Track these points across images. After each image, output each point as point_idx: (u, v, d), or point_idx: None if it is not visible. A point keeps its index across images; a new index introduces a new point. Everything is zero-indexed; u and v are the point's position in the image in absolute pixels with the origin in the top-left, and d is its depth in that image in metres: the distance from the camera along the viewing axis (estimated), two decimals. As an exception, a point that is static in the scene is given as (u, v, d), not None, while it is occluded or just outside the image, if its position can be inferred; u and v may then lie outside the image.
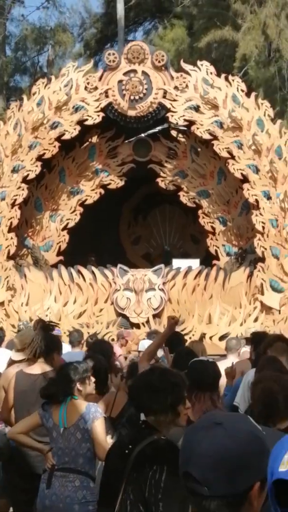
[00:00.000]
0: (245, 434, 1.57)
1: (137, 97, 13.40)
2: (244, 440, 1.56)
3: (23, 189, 13.32)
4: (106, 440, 4.66)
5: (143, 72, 13.48)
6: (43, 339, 5.69)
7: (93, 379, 5.01)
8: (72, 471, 4.58)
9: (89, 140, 14.40)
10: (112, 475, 3.28)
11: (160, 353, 7.10)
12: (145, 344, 9.38)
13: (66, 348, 9.29)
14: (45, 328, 5.85)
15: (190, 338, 10.47)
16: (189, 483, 1.55)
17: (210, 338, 12.43)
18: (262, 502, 1.60)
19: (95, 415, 4.61)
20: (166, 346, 7.26)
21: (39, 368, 5.71)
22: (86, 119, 13.51)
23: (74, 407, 4.67)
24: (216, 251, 14.01)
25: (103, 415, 4.70)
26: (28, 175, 13.36)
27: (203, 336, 12.43)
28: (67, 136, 13.48)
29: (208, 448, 1.54)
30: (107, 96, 13.52)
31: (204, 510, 1.55)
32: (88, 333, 12.33)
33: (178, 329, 11.43)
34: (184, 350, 6.20)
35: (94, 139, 14.39)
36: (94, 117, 13.49)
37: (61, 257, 14.09)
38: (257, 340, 7.03)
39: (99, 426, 4.61)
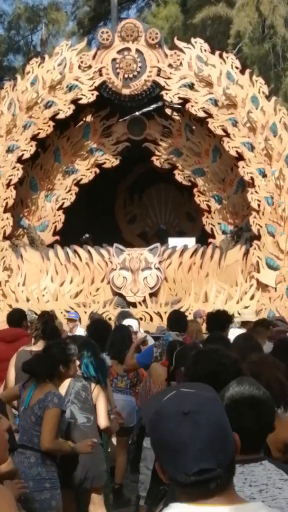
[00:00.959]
0: (212, 406, 1.61)
1: (131, 75, 13.33)
2: (213, 411, 1.61)
3: (18, 169, 13.29)
4: (51, 431, 4.65)
5: (137, 50, 13.40)
6: (42, 325, 6.12)
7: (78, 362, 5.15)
8: (29, 448, 4.68)
9: (84, 119, 14.35)
10: None
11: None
12: None
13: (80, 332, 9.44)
14: (44, 317, 6.52)
15: (186, 316, 10.49)
16: (204, 476, 1.56)
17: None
18: None
19: (48, 405, 4.65)
20: (168, 325, 7.34)
21: (38, 346, 5.90)
22: (80, 98, 13.44)
23: (40, 390, 4.74)
24: (211, 229, 14.01)
25: (56, 406, 4.67)
26: (23, 155, 13.32)
27: (199, 314, 12.49)
28: (61, 116, 13.43)
29: (203, 440, 1.56)
30: (101, 75, 13.45)
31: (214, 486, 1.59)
32: (85, 312, 12.42)
33: (175, 307, 11.57)
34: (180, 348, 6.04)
35: (89, 118, 14.34)
36: (88, 96, 13.43)
37: (57, 237, 14.09)
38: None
39: (48, 416, 4.64)
